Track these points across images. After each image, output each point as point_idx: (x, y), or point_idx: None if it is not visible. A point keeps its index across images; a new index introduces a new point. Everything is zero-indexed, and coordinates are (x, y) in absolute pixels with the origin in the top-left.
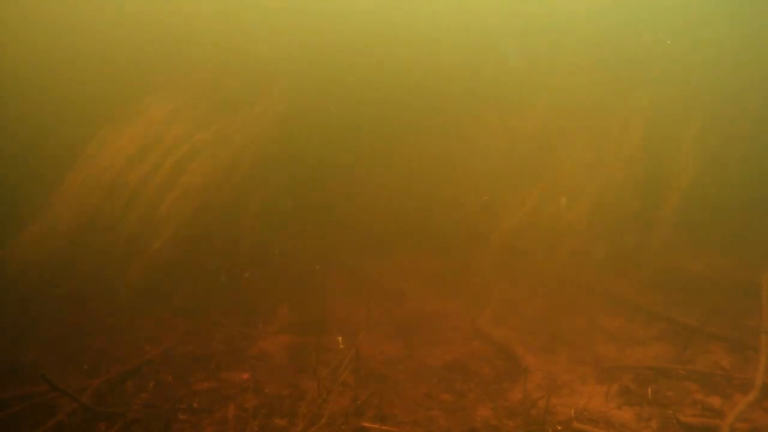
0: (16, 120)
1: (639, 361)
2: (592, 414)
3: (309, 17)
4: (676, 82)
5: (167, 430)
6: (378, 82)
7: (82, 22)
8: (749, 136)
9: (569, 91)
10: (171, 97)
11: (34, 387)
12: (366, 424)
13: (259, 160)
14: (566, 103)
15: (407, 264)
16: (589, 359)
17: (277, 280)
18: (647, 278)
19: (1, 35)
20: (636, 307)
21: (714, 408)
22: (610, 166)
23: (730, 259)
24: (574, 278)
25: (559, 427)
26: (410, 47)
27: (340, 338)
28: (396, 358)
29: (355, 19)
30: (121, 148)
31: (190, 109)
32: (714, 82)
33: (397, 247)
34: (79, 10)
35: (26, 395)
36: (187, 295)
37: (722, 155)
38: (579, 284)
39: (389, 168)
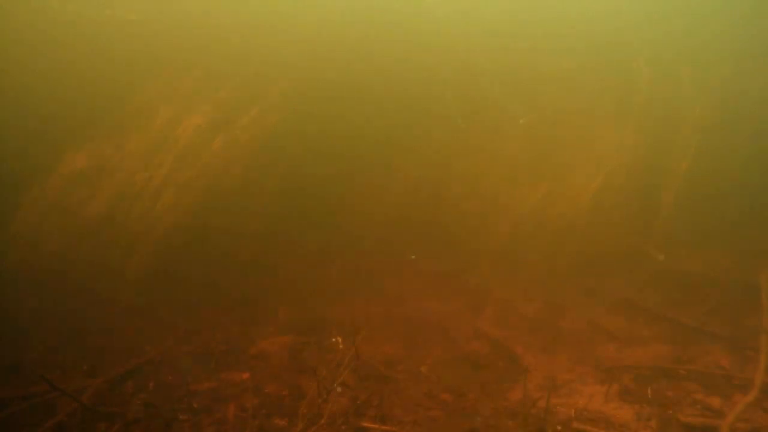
0: (19, 111)
1: (639, 361)
2: (592, 414)
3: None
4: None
5: (167, 430)
6: (378, 82)
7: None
8: (750, 136)
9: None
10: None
11: (34, 387)
12: (366, 424)
13: (258, 160)
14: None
15: (407, 264)
16: (589, 359)
17: (278, 279)
18: (647, 278)
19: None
20: (636, 307)
21: (714, 408)
22: (610, 165)
23: (730, 259)
24: (574, 278)
25: (559, 427)
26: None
27: (339, 338)
28: (396, 358)
29: (355, 18)
30: (122, 146)
31: (190, 106)
32: (713, 81)
33: (397, 247)
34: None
35: (26, 395)
36: (188, 294)
37: (722, 155)
38: (579, 284)
39: (390, 169)
